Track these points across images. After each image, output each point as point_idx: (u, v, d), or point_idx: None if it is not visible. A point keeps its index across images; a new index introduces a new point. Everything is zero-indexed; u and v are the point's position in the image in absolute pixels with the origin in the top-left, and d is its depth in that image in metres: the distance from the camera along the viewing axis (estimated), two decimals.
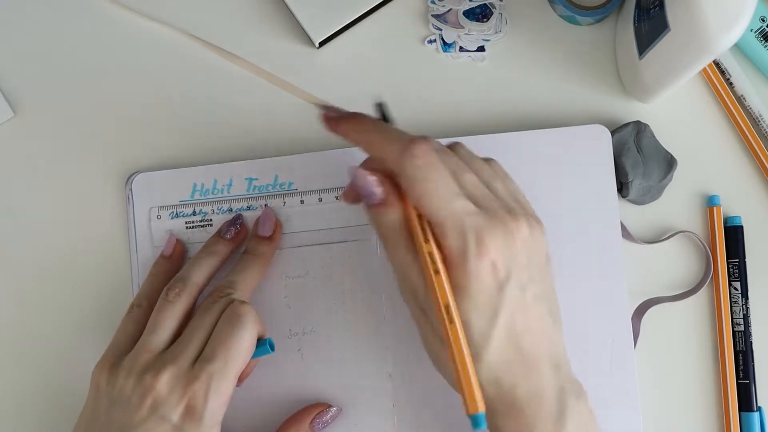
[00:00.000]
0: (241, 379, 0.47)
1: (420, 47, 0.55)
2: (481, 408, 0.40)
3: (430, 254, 0.40)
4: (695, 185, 0.54)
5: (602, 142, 0.52)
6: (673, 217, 0.54)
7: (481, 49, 0.55)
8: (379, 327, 0.51)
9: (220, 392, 0.43)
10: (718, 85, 0.54)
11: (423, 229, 0.41)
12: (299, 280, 0.51)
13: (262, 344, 0.46)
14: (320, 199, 0.52)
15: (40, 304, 0.53)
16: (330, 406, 0.50)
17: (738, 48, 0.54)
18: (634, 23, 0.51)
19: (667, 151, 0.53)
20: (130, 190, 0.52)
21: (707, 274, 0.52)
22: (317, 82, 0.55)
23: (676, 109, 0.54)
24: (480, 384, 0.40)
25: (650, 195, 0.53)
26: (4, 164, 0.55)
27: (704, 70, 0.54)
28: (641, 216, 0.53)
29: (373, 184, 0.42)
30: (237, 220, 0.51)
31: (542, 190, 0.52)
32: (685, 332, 0.53)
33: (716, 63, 0.54)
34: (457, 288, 0.40)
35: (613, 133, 0.52)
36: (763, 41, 0.53)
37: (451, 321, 0.40)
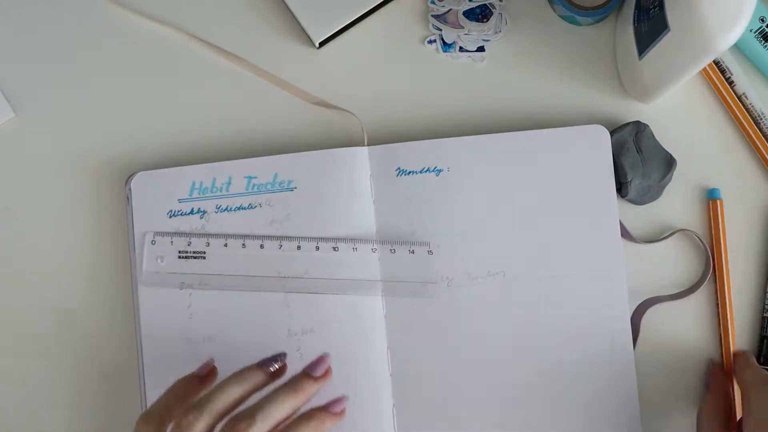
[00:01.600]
0: None
1: (420, 47, 0.55)
2: None
3: None
4: (695, 185, 0.54)
5: (601, 142, 0.52)
6: (673, 216, 0.54)
7: (480, 49, 0.55)
8: (379, 327, 0.51)
9: None
10: (719, 85, 0.54)
11: None
12: (298, 279, 0.51)
13: None
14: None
15: (40, 303, 0.53)
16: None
17: (738, 48, 0.54)
18: (634, 23, 0.51)
19: (666, 151, 0.53)
20: (129, 189, 0.52)
21: (706, 273, 0.52)
22: (317, 82, 0.55)
23: (676, 109, 0.54)
24: None
25: (650, 195, 0.53)
26: (4, 164, 0.55)
27: (704, 69, 0.54)
28: (641, 215, 0.53)
29: None
30: (279, 356, 0.47)
31: (542, 190, 0.52)
32: (684, 331, 0.53)
33: (716, 62, 0.54)
34: None
35: (612, 133, 0.53)
36: (763, 41, 0.53)
37: None
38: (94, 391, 0.52)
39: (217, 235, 0.52)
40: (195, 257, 0.52)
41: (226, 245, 0.51)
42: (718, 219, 0.53)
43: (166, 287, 0.51)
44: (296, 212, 0.52)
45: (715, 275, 0.53)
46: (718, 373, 0.51)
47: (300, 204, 0.52)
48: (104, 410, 0.52)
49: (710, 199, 0.53)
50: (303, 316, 0.51)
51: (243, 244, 0.52)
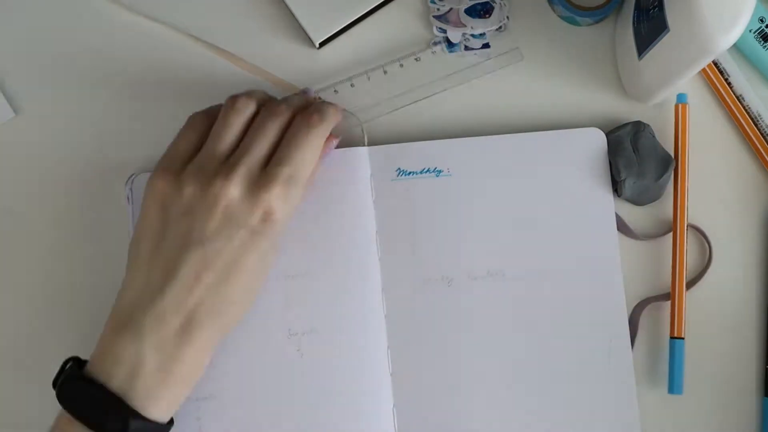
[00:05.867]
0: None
1: (420, 47, 0.55)
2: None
3: None
4: (695, 184, 0.54)
5: (597, 144, 0.52)
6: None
7: (486, 46, 0.55)
8: (380, 327, 0.51)
9: (293, 197, 0.41)
10: (718, 85, 0.54)
11: None
12: (299, 279, 0.51)
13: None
14: None
15: (40, 304, 0.53)
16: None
17: (737, 48, 0.54)
18: (634, 24, 0.51)
19: (665, 151, 0.53)
20: (130, 190, 0.52)
21: (705, 269, 0.53)
22: (317, 82, 0.55)
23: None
24: None
25: (649, 195, 0.53)
26: (4, 164, 0.55)
27: (704, 70, 0.54)
28: (641, 215, 0.53)
29: None
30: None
31: (540, 191, 0.52)
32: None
33: (714, 63, 0.54)
34: None
35: (611, 132, 0.53)
36: (762, 42, 0.53)
37: None
38: None
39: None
40: None
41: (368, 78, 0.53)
42: (678, 122, 0.52)
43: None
44: (295, 212, 0.52)
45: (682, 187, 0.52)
46: None
47: (298, 204, 0.52)
48: None
49: (679, 103, 0.52)
50: (303, 316, 0.51)
51: (384, 71, 0.54)
